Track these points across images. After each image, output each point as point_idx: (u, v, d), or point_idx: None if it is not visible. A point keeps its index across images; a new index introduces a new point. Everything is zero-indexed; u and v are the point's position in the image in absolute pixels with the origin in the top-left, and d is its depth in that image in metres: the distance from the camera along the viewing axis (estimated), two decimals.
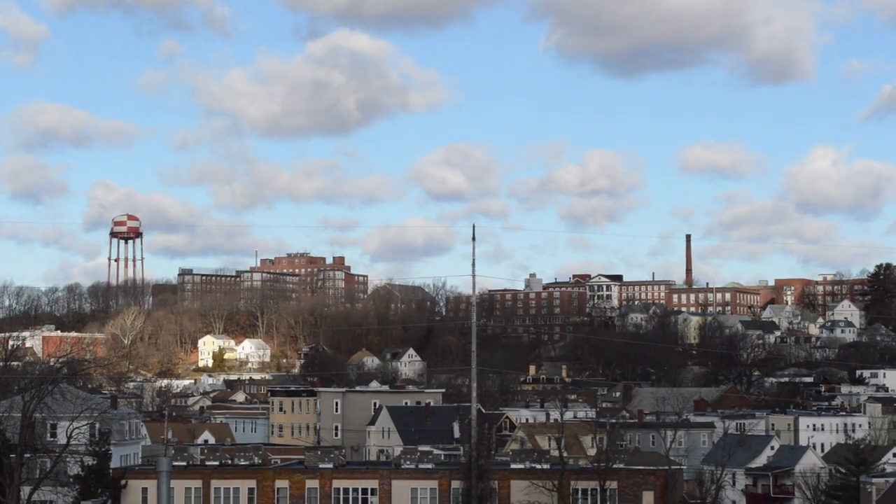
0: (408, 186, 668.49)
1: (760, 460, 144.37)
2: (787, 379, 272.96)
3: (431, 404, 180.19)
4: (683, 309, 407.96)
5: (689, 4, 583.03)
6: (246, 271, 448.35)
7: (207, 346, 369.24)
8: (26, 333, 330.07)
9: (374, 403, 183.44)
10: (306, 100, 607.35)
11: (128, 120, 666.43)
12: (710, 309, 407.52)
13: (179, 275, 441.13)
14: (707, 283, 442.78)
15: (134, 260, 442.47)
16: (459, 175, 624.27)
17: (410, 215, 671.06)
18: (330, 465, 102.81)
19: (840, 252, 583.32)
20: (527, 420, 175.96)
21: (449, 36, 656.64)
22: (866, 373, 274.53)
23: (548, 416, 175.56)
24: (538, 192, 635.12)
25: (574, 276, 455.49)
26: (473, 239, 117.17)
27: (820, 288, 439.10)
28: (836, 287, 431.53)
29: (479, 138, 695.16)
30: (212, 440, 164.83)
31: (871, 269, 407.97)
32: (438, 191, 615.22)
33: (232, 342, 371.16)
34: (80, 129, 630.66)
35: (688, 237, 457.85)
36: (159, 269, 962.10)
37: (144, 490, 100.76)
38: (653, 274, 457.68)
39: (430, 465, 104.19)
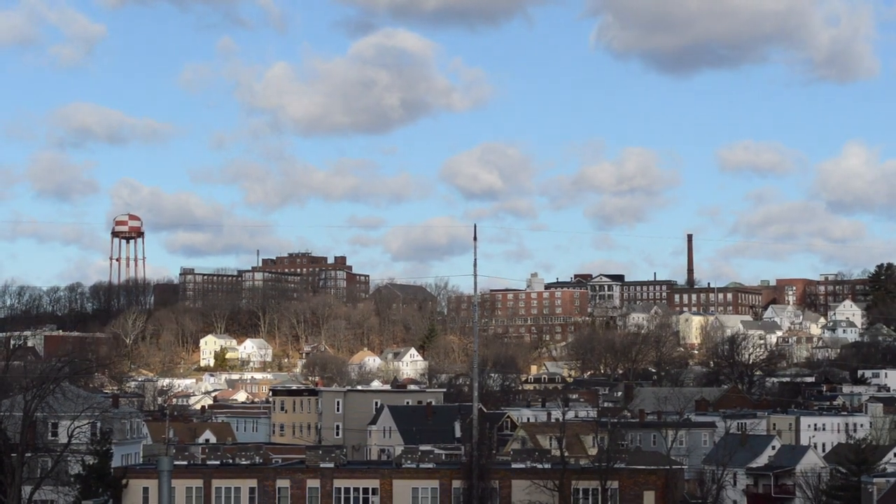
0: (439, 185, 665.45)
1: (761, 460, 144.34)
2: (788, 379, 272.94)
3: (433, 404, 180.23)
4: (685, 309, 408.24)
5: (750, 1, 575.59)
6: (247, 271, 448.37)
7: (209, 346, 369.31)
8: (28, 333, 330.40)
9: (376, 403, 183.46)
10: (350, 98, 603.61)
11: (168, 118, 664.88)
12: (712, 309, 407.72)
13: (181, 274, 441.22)
14: (709, 283, 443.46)
15: (136, 259, 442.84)
16: (494, 173, 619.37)
17: (437, 214, 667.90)
18: (331, 465, 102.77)
19: (865, 252, 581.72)
20: (528, 420, 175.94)
21: (505, 33, 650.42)
22: (868, 373, 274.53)
23: (549, 415, 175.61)
24: (570, 191, 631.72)
25: (576, 275, 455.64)
26: (475, 239, 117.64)
27: (821, 288, 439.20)
28: (837, 287, 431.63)
29: (520, 136, 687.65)
30: (213, 440, 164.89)
31: (872, 270, 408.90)
32: (472, 189, 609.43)
33: (234, 342, 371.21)
34: (116, 129, 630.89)
35: (689, 237, 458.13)
36: (174, 268, 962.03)
37: (145, 489, 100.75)
38: (654, 274, 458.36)
39: (431, 465, 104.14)
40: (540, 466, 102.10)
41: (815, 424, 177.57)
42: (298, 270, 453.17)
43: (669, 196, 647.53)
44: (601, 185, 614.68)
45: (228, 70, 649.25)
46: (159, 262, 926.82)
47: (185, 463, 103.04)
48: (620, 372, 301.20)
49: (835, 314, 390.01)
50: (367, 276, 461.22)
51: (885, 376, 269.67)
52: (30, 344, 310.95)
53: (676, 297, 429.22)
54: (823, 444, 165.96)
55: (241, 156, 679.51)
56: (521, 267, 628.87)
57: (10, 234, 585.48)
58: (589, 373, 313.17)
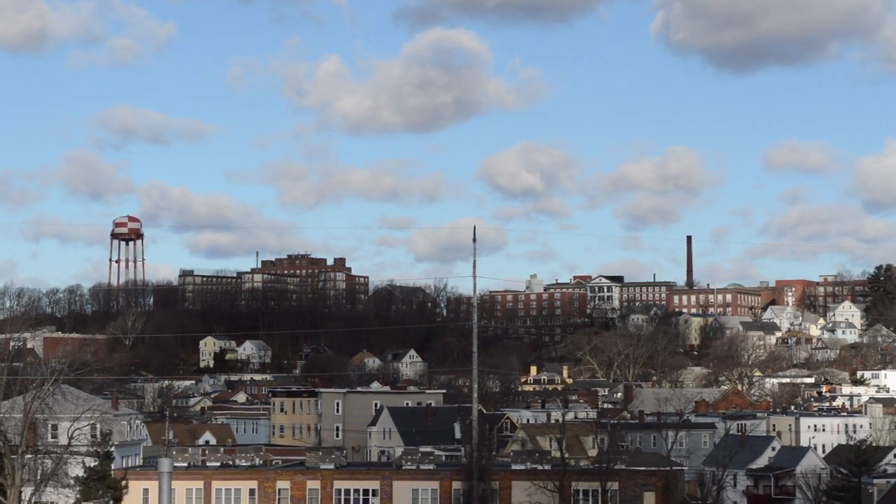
0: (478, 184, 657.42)
1: (761, 461, 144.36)
2: (788, 380, 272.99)
3: (432, 405, 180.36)
4: (684, 310, 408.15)
5: None
6: (247, 272, 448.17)
7: (208, 347, 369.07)
8: (27, 335, 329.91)
9: (375, 404, 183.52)
10: (402, 97, 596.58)
11: (216, 117, 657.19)
12: (711, 310, 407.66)
13: (180, 276, 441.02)
14: (708, 284, 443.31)
15: (135, 261, 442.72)
16: (535, 173, 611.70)
17: (469, 214, 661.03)
18: (331, 466, 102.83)
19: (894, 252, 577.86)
20: (528, 421, 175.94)
21: (576, 30, 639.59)
22: (867, 374, 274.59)
23: (549, 416, 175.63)
24: (609, 191, 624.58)
25: (574, 277, 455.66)
26: (474, 240, 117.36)
27: (821, 289, 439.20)
28: (836, 288, 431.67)
29: (566, 135, 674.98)
30: (213, 441, 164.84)
31: (871, 271, 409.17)
32: (511, 188, 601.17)
33: (233, 343, 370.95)
34: (159, 129, 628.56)
35: (688, 238, 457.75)
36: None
37: (146, 491, 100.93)
38: (654, 275, 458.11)
39: (431, 466, 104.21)
40: (540, 467, 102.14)
41: (815, 425, 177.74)
42: (297, 272, 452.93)
43: (708, 196, 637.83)
44: (640, 185, 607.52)
45: (279, 67, 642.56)
46: (177, 263, 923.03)
47: (185, 464, 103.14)
48: (620, 373, 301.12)
49: (834, 315, 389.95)
50: (367, 277, 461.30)
51: (885, 377, 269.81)
52: (29, 346, 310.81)
53: (675, 298, 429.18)
54: (823, 445, 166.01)
55: (285, 155, 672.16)
56: (544, 267, 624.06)
57: (34, 235, 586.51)
58: (588, 374, 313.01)
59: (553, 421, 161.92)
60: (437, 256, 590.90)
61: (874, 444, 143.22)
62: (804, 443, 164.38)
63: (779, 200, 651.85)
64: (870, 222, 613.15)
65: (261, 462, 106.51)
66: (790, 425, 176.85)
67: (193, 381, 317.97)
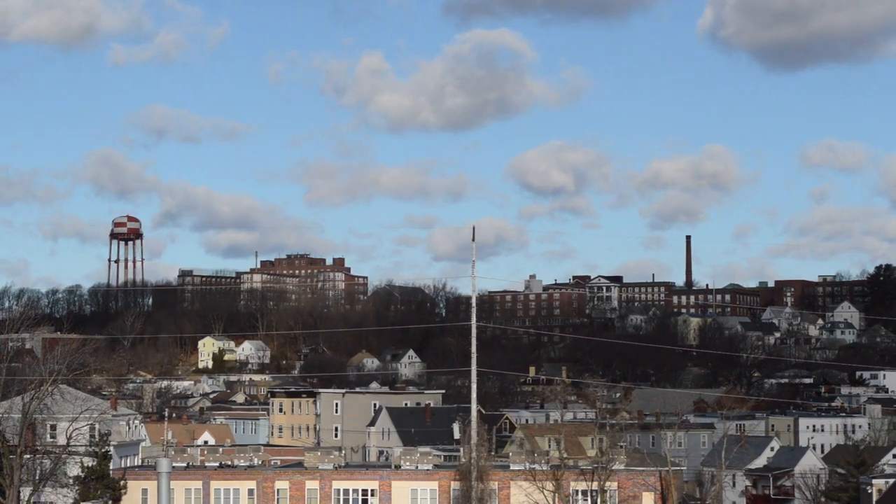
0: (508, 183, 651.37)
1: (760, 461, 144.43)
2: (786, 380, 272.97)
3: (431, 405, 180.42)
4: (683, 310, 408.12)
5: None
6: (245, 272, 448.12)
7: (207, 348, 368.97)
8: (26, 335, 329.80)
9: (374, 404, 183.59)
10: (442, 96, 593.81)
11: (249, 115, 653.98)
12: (710, 310, 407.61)
13: (179, 276, 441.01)
14: (707, 285, 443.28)
15: (134, 261, 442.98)
16: (567, 172, 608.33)
17: (494, 213, 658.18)
18: (330, 466, 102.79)
19: None
20: (526, 421, 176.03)
21: (623, 27, 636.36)
22: (866, 374, 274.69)
23: (547, 416, 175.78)
24: (641, 188, 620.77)
25: (574, 277, 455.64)
26: (473, 240, 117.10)
27: (819, 289, 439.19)
28: (835, 288, 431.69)
29: (604, 133, 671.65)
30: (212, 441, 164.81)
31: (871, 270, 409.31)
32: (540, 187, 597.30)
33: (232, 343, 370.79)
34: (193, 129, 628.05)
35: (688, 238, 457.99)
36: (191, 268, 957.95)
37: (144, 491, 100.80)
38: (653, 275, 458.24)
39: (429, 466, 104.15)
40: (538, 467, 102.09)
41: (814, 426, 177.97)
42: (296, 272, 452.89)
43: (740, 195, 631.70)
44: (671, 184, 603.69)
45: (319, 63, 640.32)
46: (189, 263, 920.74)
47: (183, 464, 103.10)
48: (619, 373, 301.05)
49: (833, 315, 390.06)
50: (366, 277, 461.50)
51: (884, 377, 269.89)
52: (28, 346, 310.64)
53: (675, 298, 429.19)
54: (822, 446, 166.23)
55: (319, 154, 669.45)
56: (563, 266, 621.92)
57: (53, 233, 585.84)
58: (587, 374, 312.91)
59: (552, 421, 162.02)
60: (455, 256, 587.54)
61: (872, 444, 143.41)
62: (803, 443, 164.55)
63: (806, 199, 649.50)
64: (895, 221, 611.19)
65: (259, 462, 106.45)
66: (789, 426, 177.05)
67: (192, 382, 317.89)
